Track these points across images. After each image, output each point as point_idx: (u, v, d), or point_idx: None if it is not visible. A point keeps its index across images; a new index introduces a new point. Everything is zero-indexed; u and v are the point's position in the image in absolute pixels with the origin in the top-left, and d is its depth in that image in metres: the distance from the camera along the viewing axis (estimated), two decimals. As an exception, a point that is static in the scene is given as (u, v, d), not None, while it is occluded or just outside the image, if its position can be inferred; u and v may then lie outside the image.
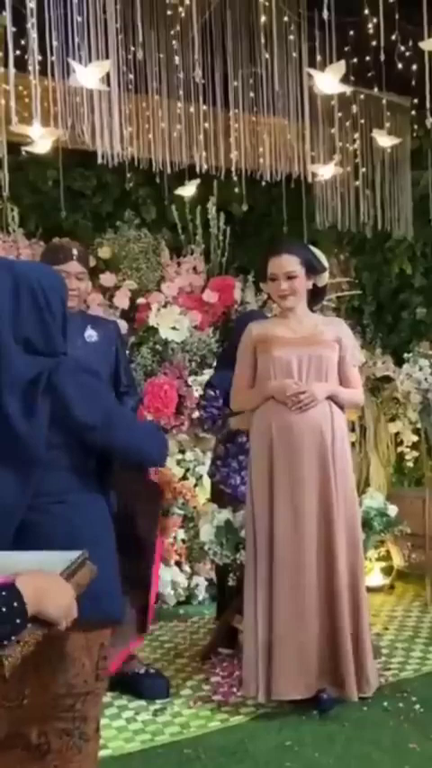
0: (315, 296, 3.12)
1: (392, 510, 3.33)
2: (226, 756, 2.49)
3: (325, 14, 2.77)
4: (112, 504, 1.81)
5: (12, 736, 1.59)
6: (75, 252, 2.79)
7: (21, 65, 3.40)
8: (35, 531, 1.59)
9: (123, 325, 4.34)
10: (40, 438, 1.58)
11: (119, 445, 1.72)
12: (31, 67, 3.31)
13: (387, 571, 4.33)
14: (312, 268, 3.01)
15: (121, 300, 4.50)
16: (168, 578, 4.09)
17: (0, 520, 1.56)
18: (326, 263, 3.17)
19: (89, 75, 2.88)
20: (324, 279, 3.11)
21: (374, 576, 4.27)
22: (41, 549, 1.52)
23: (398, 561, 4.32)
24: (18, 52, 3.48)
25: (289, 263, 2.94)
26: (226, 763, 2.46)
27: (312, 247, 3.21)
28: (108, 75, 3.02)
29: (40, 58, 3.19)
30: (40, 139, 3.63)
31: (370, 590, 4.12)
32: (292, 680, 2.72)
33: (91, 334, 2.82)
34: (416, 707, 2.81)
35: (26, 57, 3.27)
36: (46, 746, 1.58)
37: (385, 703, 2.85)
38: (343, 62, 2.98)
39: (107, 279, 4.61)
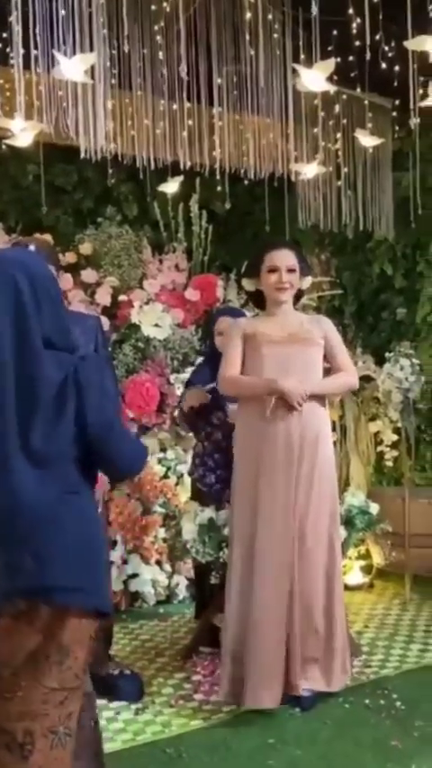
0: (296, 298, 3.15)
1: (374, 508, 3.35)
2: (208, 755, 2.48)
3: (314, 11, 2.77)
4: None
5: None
6: (32, 247, 2.73)
7: (3, 58, 3.38)
8: (52, 521, 1.62)
9: (105, 322, 4.32)
10: (69, 431, 1.64)
11: (107, 454, 1.73)
12: (13, 61, 3.28)
13: (367, 569, 4.35)
14: (303, 267, 3.07)
15: (103, 297, 4.47)
16: (149, 577, 4.07)
17: (25, 513, 1.60)
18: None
19: (73, 67, 2.85)
20: (307, 282, 3.14)
21: (354, 574, 4.29)
22: (56, 538, 1.60)
23: (378, 560, 4.34)
24: (0, 45, 3.45)
25: (290, 257, 2.98)
26: (208, 761, 2.45)
27: None
28: (92, 69, 3.00)
29: (23, 51, 3.17)
30: (22, 133, 3.59)
31: (350, 588, 4.17)
32: (260, 688, 2.72)
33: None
34: (397, 704, 2.82)
35: (8, 49, 3.24)
36: (30, 747, 1.58)
37: (367, 701, 2.86)
38: (332, 61, 2.98)
39: (88, 275, 4.57)
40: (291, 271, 2.94)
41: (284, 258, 2.95)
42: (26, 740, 1.57)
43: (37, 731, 1.58)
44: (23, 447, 1.62)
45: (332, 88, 3.39)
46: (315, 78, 3.00)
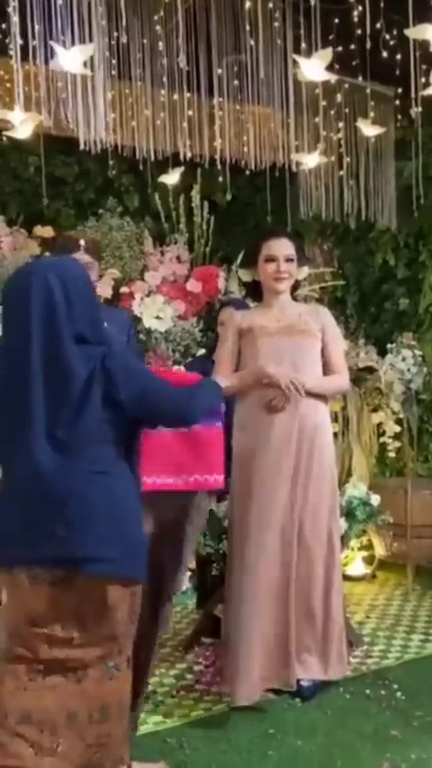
0: (293, 288, 3.13)
1: (375, 499, 3.36)
2: (209, 745, 2.50)
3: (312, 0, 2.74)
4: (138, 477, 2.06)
5: (53, 661, 1.90)
6: (82, 242, 2.80)
7: (1, 48, 3.36)
8: (80, 499, 1.84)
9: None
10: (94, 418, 1.85)
11: (157, 418, 2.04)
12: (12, 52, 3.26)
13: (369, 560, 4.36)
14: (301, 257, 3.05)
15: (104, 289, 4.46)
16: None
17: (52, 492, 1.83)
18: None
19: (72, 59, 2.84)
20: (304, 272, 3.13)
21: (356, 565, 4.30)
22: (85, 515, 1.83)
23: (380, 551, 4.35)
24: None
25: (288, 246, 2.95)
26: (209, 752, 2.46)
27: None
28: (91, 60, 2.98)
29: (21, 42, 3.15)
30: (22, 125, 3.58)
31: (352, 579, 4.19)
32: (251, 682, 2.70)
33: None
34: (397, 694, 2.83)
35: (7, 41, 3.22)
36: (83, 672, 1.92)
37: (367, 691, 2.87)
38: (330, 49, 2.96)
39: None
40: (289, 260, 2.92)
41: (282, 247, 2.92)
42: (80, 669, 1.92)
43: (90, 664, 1.92)
44: (48, 435, 1.83)
45: (332, 77, 3.36)
46: (315, 68, 2.98)
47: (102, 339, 1.93)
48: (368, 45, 3.32)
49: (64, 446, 1.85)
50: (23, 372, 1.84)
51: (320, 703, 2.78)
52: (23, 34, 3.15)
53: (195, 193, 4.93)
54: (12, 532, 1.89)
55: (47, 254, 4.30)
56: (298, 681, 2.79)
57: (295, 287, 3.11)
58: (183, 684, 3.00)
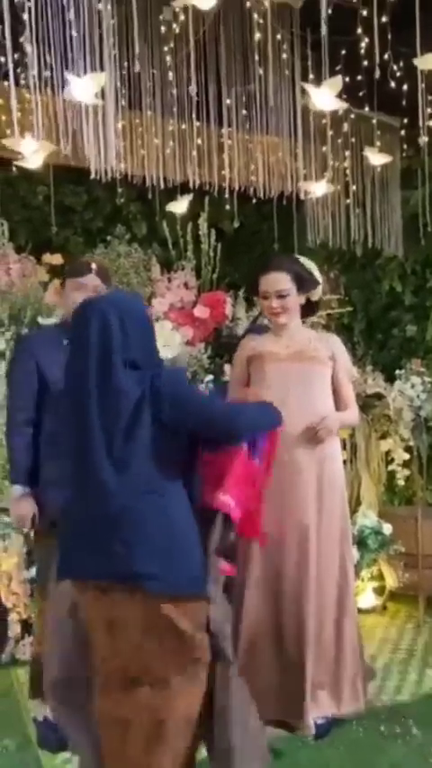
0: (308, 310, 3.10)
1: (387, 528, 3.31)
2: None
3: (323, 31, 2.77)
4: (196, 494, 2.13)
5: (140, 672, 2.00)
6: (93, 266, 2.83)
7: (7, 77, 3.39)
8: (132, 518, 1.95)
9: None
10: (146, 438, 1.98)
11: (209, 433, 2.12)
12: (24, 81, 3.30)
13: (380, 591, 4.28)
14: (304, 283, 2.98)
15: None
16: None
17: (102, 503, 1.95)
18: (319, 277, 3.14)
19: (84, 88, 2.86)
20: (317, 293, 3.09)
21: (367, 596, 4.23)
22: (140, 533, 1.94)
23: (390, 581, 4.28)
24: (11, 66, 3.47)
25: (279, 281, 2.91)
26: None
27: (305, 260, 3.17)
28: (103, 90, 3.01)
29: (35, 72, 3.18)
30: (33, 154, 3.61)
31: (363, 611, 4.10)
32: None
33: None
34: (413, 731, 2.76)
35: (18, 70, 3.26)
36: (168, 682, 1.99)
37: (382, 727, 2.80)
38: (339, 78, 2.98)
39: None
40: (281, 296, 2.90)
41: (273, 283, 2.90)
42: (165, 676, 1.99)
43: (171, 671, 1.99)
44: (106, 456, 1.96)
45: (343, 106, 3.39)
46: (325, 96, 3.00)
47: (155, 365, 2.09)
48: (376, 75, 3.35)
49: (120, 467, 1.97)
50: (82, 397, 1.99)
51: (333, 740, 2.71)
52: (35, 64, 3.19)
53: (203, 221, 4.95)
54: (80, 548, 2.02)
55: (55, 280, 4.31)
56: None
57: (311, 309, 3.08)
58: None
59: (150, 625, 1.98)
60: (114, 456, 1.97)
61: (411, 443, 4.54)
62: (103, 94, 3.11)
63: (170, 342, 4.35)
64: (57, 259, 4.73)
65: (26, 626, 3.45)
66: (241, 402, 2.53)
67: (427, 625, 4.03)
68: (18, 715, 2.89)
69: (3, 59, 3.24)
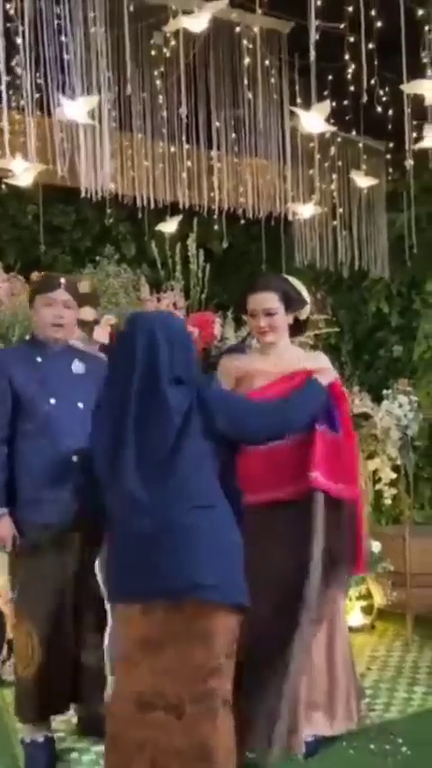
0: (296, 329, 3.12)
1: (376, 546, 3.31)
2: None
3: (312, 56, 2.84)
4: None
5: (154, 696, 1.99)
6: (62, 281, 2.79)
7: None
8: (187, 532, 1.98)
9: (103, 359, 4.32)
10: (195, 451, 2.02)
11: (261, 436, 2.25)
12: (15, 103, 3.35)
13: (368, 610, 4.28)
14: (292, 302, 3.00)
15: (101, 335, 4.47)
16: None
17: (148, 521, 1.98)
18: (306, 296, 3.16)
19: (76, 109, 2.91)
20: (305, 312, 3.10)
21: (355, 615, 4.22)
22: (192, 546, 1.97)
23: (379, 600, 4.28)
24: (2, 88, 3.52)
25: (266, 300, 2.91)
26: None
27: (293, 280, 3.19)
28: (96, 111, 3.06)
29: (27, 94, 3.24)
30: (24, 173, 3.65)
31: (351, 630, 4.07)
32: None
33: (78, 366, 2.76)
34: (403, 749, 2.75)
35: (10, 92, 3.31)
36: (182, 709, 1.97)
37: (372, 746, 2.78)
38: (327, 102, 3.05)
39: (87, 313, 4.58)
40: (269, 314, 2.90)
41: (261, 302, 2.89)
42: (178, 702, 1.97)
43: (186, 698, 1.97)
44: (149, 473, 1.99)
45: (331, 129, 3.47)
46: (313, 120, 3.06)
47: (196, 380, 2.14)
48: (363, 100, 3.43)
49: (166, 482, 2.00)
50: (124, 407, 2.04)
51: (323, 759, 2.68)
52: (28, 85, 3.24)
53: (191, 242, 4.99)
54: (125, 568, 2.04)
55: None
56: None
57: (299, 328, 3.10)
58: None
59: (189, 641, 1.98)
60: (161, 474, 2.00)
61: (399, 462, 4.57)
62: (98, 116, 3.16)
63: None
64: (46, 278, 4.75)
65: (12, 647, 3.41)
66: (283, 395, 2.50)
67: (416, 643, 4.02)
68: (6, 736, 2.85)
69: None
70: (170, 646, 1.99)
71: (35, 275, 4.79)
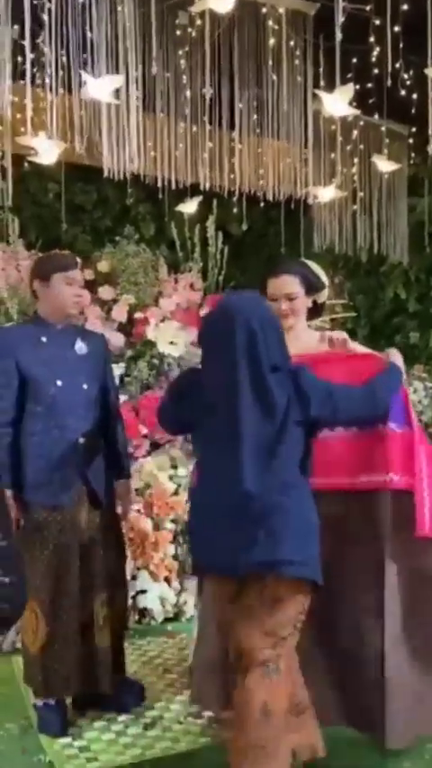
0: (313, 312, 3.14)
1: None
2: (217, 773, 2.47)
3: (338, 37, 2.84)
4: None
5: (232, 659, 2.15)
6: (78, 261, 2.78)
7: (22, 76, 3.46)
8: (279, 510, 2.09)
9: (120, 338, 4.36)
10: (292, 438, 2.12)
11: (353, 422, 2.38)
12: (40, 81, 3.37)
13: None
14: (312, 286, 3.02)
15: (119, 314, 4.52)
16: (157, 594, 4.06)
17: (256, 501, 2.07)
18: (325, 280, 3.18)
19: (101, 88, 2.93)
20: (324, 295, 3.12)
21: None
22: (284, 524, 2.08)
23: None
24: (27, 65, 3.54)
25: (287, 284, 2.93)
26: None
27: (312, 264, 3.22)
28: (119, 90, 3.08)
29: (49, 72, 3.25)
30: (46, 151, 3.68)
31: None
32: None
33: (81, 347, 2.74)
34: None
35: (35, 69, 3.33)
36: (247, 672, 2.10)
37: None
38: (351, 85, 3.05)
39: (105, 292, 4.63)
40: (290, 299, 2.93)
41: (282, 286, 2.90)
42: (248, 666, 2.11)
43: (252, 663, 2.10)
44: (255, 453, 2.07)
45: (355, 112, 3.46)
46: (337, 103, 3.06)
47: (288, 366, 2.19)
48: (387, 84, 3.42)
49: (267, 463, 2.10)
50: (232, 397, 2.09)
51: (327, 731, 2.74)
52: (52, 63, 3.26)
53: (210, 223, 5.02)
54: (209, 539, 2.15)
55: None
56: None
57: (316, 311, 3.12)
58: (190, 711, 2.96)
59: (259, 605, 2.11)
60: (264, 454, 2.09)
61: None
62: (119, 95, 3.18)
63: (177, 340, 4.40)
64: (66, 256, 4.79)
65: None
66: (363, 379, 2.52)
67: None
68: (20, 700, 2.93)
69: (20, 59, 3.31)
70: (247, 613, 2.13)
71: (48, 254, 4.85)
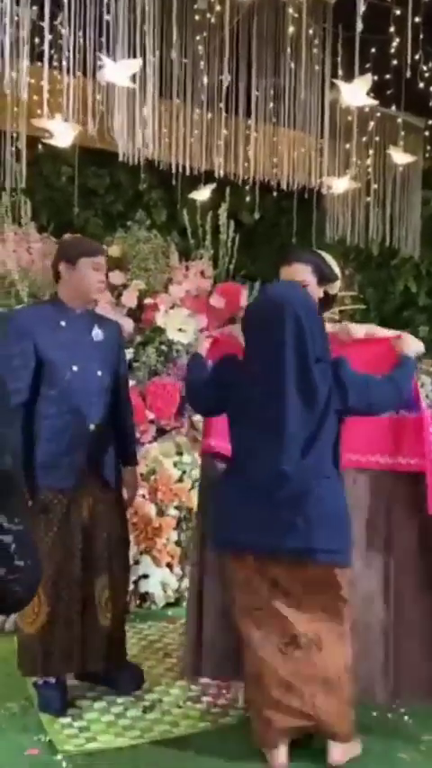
0: (325, 303, 3.13)
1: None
2: (215, 756, 2.49)
3: (358, 27, 2.82)
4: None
5: (296, 636, 2.31)
6: (104, 248, 2.80)
7: (40, 57, 3.45)
8: (316, 499, 2.20)
9: (129, 324, 4.37)
10: (330, 427, 2.24)
11: (380, 411, 2.43)
12: (57, 63, 3.36)
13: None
14: (324, 277, 3.01)
15: (129, 299, 4.52)
16: (159, 579, 4.09)
17: (294, 487, 2.19)
18: (338, 271, 3.17)
19: (118, 72, 2.91)
20: (336, 287, 3.11)
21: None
22: (320, 512, 2.20)
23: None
24: (45, 47, 3.53)
25: (299, 272, 2.93)
26: (216, 762, 2.46)
27: (325, 254, 3.20)
28: (136, 75, 3.07)
29: (67, 54, 3.24)
30: (61, 134, 3.67)
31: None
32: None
33: (97, 333, 2.75)
34: (405, 718, 2.82)
35: (52, 51, 3.32)
36: (320, 643, 2.31)
37: (374, 713, 2.86)
38: (369, 76, 3.03)
39: (116, 277, 4.62)
40: (302, 286, 2.93)
41: (293, 274, 2.89)
42: (317, 639, 2.32)
43: (323, 632, 2.31)
44: (296, 440, 2.16)
45: (372, 103, 3.44)
46: (355, 93, 3.04)
47: (329, 357, 2.28)
48: (406, 75, 3.39)
49: (306, 451, 2.19)
50: (279, 384, 2.18)
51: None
52: (69, 47, 3.24)
53: (223, 211, 5.00)
54: (245, 522, 2.24)
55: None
56: None
57: (327, 302, 3.11)
58: (189, 696, 2.99)
59: (307, 595, 2.28)
60: (304, 443, 2.19)
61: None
62: (135, 80, 3.16)
63: (186, 327, 4.40)
64: (77, 240, 4.79)
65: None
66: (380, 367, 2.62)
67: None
68: (22, 680, 2.97)
69: (37, 41, 3.30)
70: (298, 589, 2.28)
71: (68, 236, 4.85)
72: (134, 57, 3.16)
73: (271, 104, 4.02)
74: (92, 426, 2.66)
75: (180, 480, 4.31)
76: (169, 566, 4.18)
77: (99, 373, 2.69)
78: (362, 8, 2.85)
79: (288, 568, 2.27)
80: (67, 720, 2.69)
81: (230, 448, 2.46)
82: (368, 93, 3.40)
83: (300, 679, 2.32)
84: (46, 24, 3.05)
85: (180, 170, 4.09)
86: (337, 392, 2.23)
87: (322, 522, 2.21)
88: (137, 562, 4.08)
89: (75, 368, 2.63)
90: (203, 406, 2.57)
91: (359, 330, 2.81)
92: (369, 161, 4.71)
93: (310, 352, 2.19)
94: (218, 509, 2.36)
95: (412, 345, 2.72)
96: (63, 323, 2.67)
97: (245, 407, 2.27)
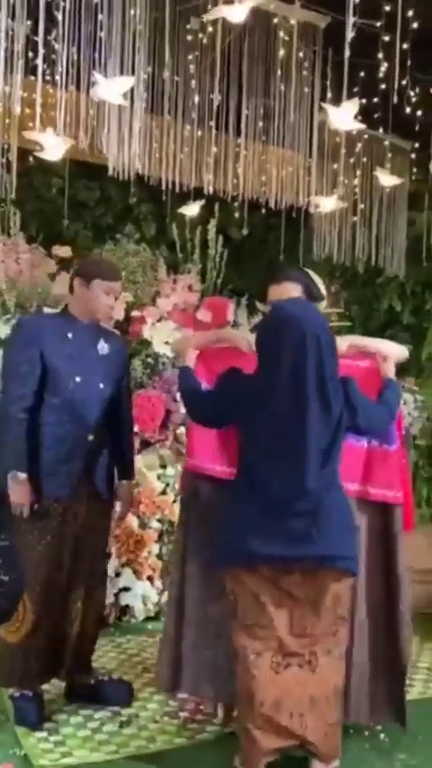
0: None
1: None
2: (191, 772, 2.49)
3: (346, 52, 2.87)
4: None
5: (291, 656, 2.37)
6: (121, 274, 2.87)
7: (33, 71, 3.48)
8: (328, 509, 2.30)
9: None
10: (340, 442, 2.36)
11: (379, 434, 2.59)
12: (50, 77, 3.39)
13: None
14: (312, 296, 3.04)
15: (117, 311, 4.53)
16: (140, 592, 4.08)
17: (312, 497, 2.28)
18: (324, 291, 3.21)
19: (112, 89, 2.95)
20: (322, 306, 3.15)
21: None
22: (332, 522, 2.30)
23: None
24: (37, 62, 3.56)
25: (289, 290, 2.95)
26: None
27: (312, 274, 3.24)
28: (130, 92, 3.10)
29: (60, 69, 3.28)
30: (52, 147, 3.70)
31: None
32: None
33: (103, 347, 2.80)
34: (381, 736, 2.83)
35: (45, 66, 3.35)
36: (316, 663, 2.38)
37: (351, 731, 2.86)
38: (357, 100, 3.08)
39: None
40: None
41: (283, 293, 2.93)
42: (311, 658, 2.38)
43: (318, 652, 2.38)
44: (315, 454, 2.26)
45: (360, 126, 3.50)
46: (343, 116, 3.10)
47: (338, 376, 2.37)
48: (393, 100, 3.46)
49: (322, 465, 2.29)
50: (300, 401, 2.26)
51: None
52: (63, 61, 3.28)
53: (212, 226, 5.05)
54: (262, 534, 2.29)
55: (63, 273, 4.35)
56: None
57: None
58: (166, 710, 2.99)
59: (318, 599, 2.35)
60: (320, 457, 2.29)
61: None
62: (127, 96, 3.20)
63: (172, 341, 4.42)
64: (66, 252, 4.82)
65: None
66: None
67: (415, 639, 4.07)
68: (-3, 693, 2.95)
69: (31, 55, 3.33)
70: (306, 605, 2.35)
71: (57, 248, 4.86)
72: (125, 73, 3.20)
73: (260, 123, 4.08)
74: (90, 437, 2.69)
75: (163, 493, 4.32)
76: (150, 579, 4.18)
77: (101, 386, 2.73)
78: (351, 33, 2.91)
79: (301, 580, 2.33)
80: (42, 734, 2.67)
81: (240, 462, 2.46)
82: (356, 117, 3.45)
83: (291, 698, 2.35)
84: (40, 39, 3.08)
85: (170, 185, 4.12)
86: (347, 411, 2.34)
87: (338, 530, 2.32)
88: (118, 574, 4.07)
89: (78, 379, 2.66)
90: (207, 420, 2.57)
91: (342, 343, 2.83)
92: (356, 181, 4.78)
93: (327, 370, 2.29)
94: (234, 524, 2.36)
95: (396, 351, 2.79)
96: (70, 335, 2.71)
97: (261, 423, 2.33)
